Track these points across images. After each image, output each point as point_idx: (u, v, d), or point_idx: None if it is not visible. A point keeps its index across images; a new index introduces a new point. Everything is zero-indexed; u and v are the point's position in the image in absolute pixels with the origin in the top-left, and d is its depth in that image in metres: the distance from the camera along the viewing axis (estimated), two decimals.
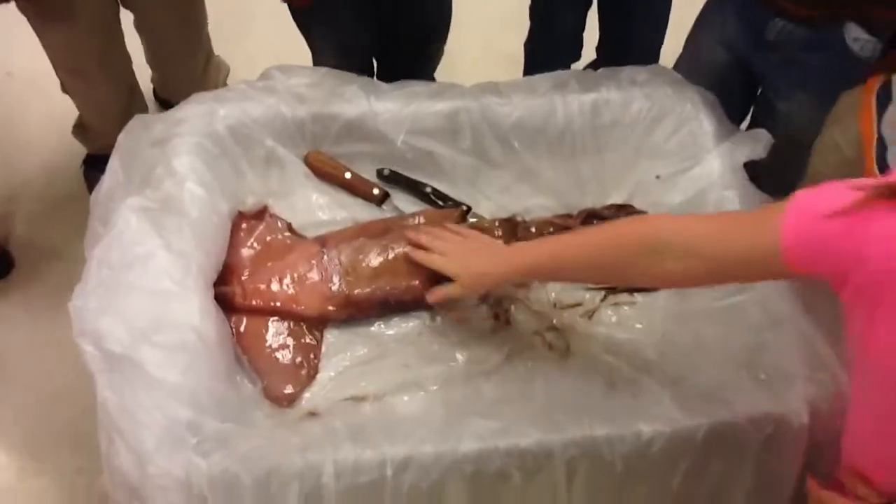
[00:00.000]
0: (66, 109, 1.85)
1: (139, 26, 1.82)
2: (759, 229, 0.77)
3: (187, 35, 1.85)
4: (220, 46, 2.05)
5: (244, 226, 1.19)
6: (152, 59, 1.94)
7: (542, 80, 1.26)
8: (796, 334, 1.00)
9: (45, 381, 1.70)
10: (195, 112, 1.18)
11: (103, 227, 1.05)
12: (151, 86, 2.09)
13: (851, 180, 0.72)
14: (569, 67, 1.87)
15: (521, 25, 1.92)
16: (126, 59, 1.79)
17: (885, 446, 0.76)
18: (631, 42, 1.78)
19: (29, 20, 1.58)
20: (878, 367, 0.71)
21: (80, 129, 1.92)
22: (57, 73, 1.73)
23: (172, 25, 1.81)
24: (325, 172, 1.24)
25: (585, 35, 1.88)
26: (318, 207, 1.23)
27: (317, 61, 1.59)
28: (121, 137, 1.14)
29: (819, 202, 0.72)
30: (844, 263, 0.69)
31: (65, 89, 1.78)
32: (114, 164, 1.11)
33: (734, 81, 1.36)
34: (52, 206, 2.01)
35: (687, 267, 0.84)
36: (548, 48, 1.87)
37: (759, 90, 1.38)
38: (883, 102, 1.19)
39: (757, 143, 1.17)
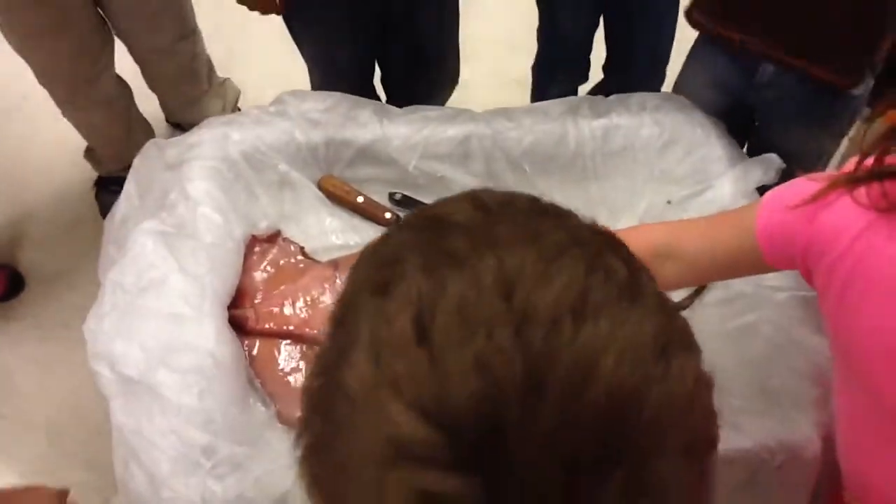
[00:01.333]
0: (79, 133, 1.87)
1: (132, 54, 1.83)
2: (739, 227, 0.79)
3: (180, 61, 1.85)
4: (231, 70, 2.07)
5: (257, 249, 1.19)
6: (150, 84, 1.94)
7: (554, 105, 1.27)
8: (807, 356, 1.01)
9: (55, 401, 1.71)
10: (209, 137, 1.19)
11: (118, 250, 1.06)
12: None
13: (814, 174, 0.74)
14: (576, 89, 1.88)
15: (528, 49, 1.94)
16: (117, 85, 1.80)
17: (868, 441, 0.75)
18: (637, 62, 1.79)
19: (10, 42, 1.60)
20: (850, 356, 0.71)
21: (89, 152, 1.93)
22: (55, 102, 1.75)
23: (162, 50, 1.80)
24: (338, 197, 1.25)
25: (592, 56, 1.89)
26: (330, 231, 1.24)
27: (311, 80, 1.60)
28: (136, 161, 1.15)
29: (786, 195, 0.74)
30: (808, 250, 0.71)
31: (65, 116, 1.79)
32: (129, 188, 1.12)
33: (728, 118, 1.34)
34: (64, 228, 2.02)
35: (680, 269, 0.85)
36: (556, 70, 1.88)
37: (755, 123, 1.38)
38: None
39: (769, 168, 1.18)
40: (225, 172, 1.17)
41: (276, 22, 1.46)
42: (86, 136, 1.86)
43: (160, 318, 1.00)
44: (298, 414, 1.07)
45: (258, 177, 1.21)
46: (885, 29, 1.15)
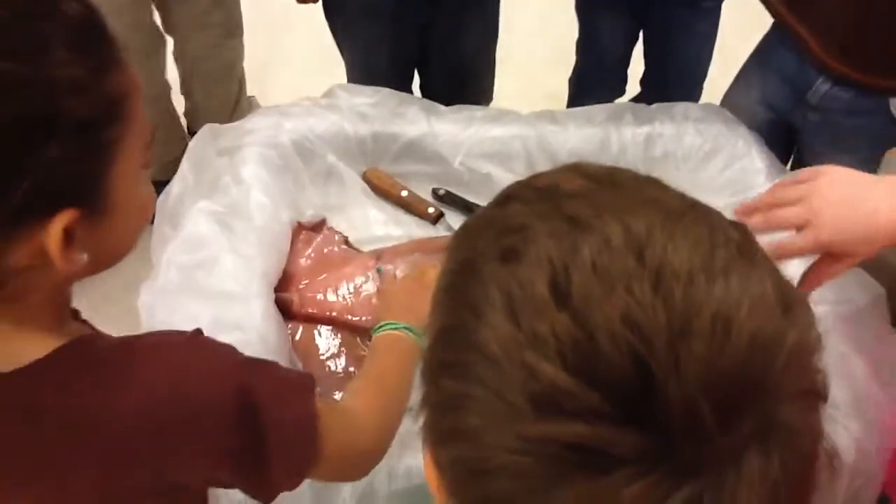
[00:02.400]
0: None
1: (177, 51, 1.86)
2: None
3: (223, 60, 1.88)
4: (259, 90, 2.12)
5: (302, 237, 1.22)
6: (185, 88, 1.96)
7: (598, 110, 1.29)
8: (839, 369, 1.02)
9: None
10: (262, 124, 1.22)
11: (172, 229, 1.09)
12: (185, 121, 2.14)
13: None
14: (613, 101, 1.91)
15: (562, 64, 1.97)
16: (164, 85, 1.84)
17: None
18: (675, 78, 1.82)
19: None
20: None
21: None
22: None
23: (209, 47, 1.84)
24: (383, 189, 1.28)
25: (630, 69, 1.92)
26: (374, 223, 1.26)
27: (348, 76, 1.64)
28: (191, 144, 1.18)
29: None
30: None
31: None
32: (184, 168, 1.15)
33: (773, 138, 1.36)
34: None
35: None
36: (593, 82, 1.91)
37: (796, 147, 1.40)
38: None
39: None
40: (276, 160, 1.20)
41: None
42: None
43: (211, 295, 1.02)
44: (338, 398, 1.09)
45: (306, 166, 1.24)
46: None
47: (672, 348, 0.32)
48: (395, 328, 0.96)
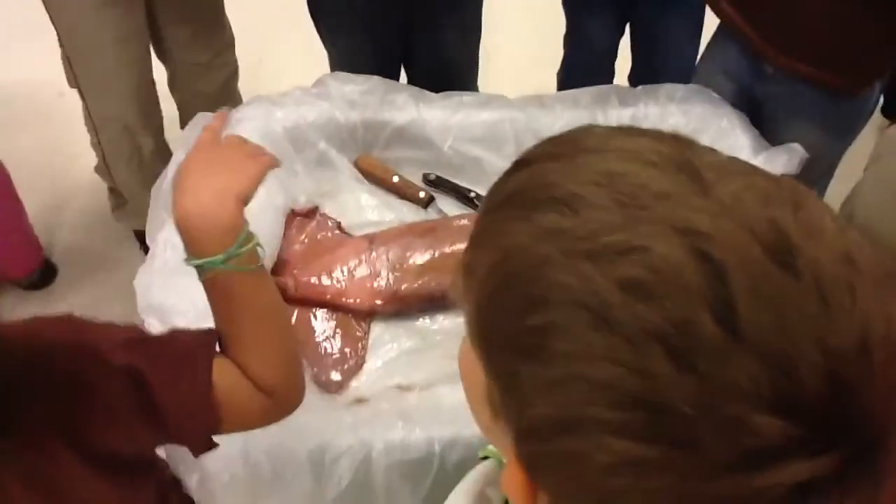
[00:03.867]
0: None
1: (171, 72, 1.84)
2: None
3: (218, 77, 1.84)
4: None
5: (296, 223, 1.24)
6: (182, 109, 1.89)
7: (584, 93, 1.31)
8: None
9: None
10: (254, 113, 1.24)
11: (168, 213, 1.10)
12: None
13: None
14: None
15: (548, 62, 1.99)
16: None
17: None
18: (662, 71, 1.84)
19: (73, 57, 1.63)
20: None
21: (116, 196, 1.97)
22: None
23: (202, 65, 1.80)
24: (374, 176, 1.30)
25: (617, 64, 1.94)
26: (366, 208, 1.28)
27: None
28: (184, 132, 1.20)
29: None
30: None
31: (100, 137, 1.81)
32: (178, 157, 1.16)
33: (738, 108, 1.37)
34: (96, 219, 2.08)
35: None
36: (581, 75, 1.93)
37: (761, 117, 1.42)
38: None
39: (792, 157, 1.21)
40: (268, 147, 1.20)
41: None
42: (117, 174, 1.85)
43: None
44: (333, 378, 1.10)
45: (298, 154, 1.26)
46: None
47: (864, 357, 0.31)
48: (203, 267, 0.73)
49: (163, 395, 0.65)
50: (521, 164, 0.40)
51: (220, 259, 0.71)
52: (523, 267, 0.35)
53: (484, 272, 0.37)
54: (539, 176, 0.37)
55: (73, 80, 1.65)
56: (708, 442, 0.30)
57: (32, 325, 0.65)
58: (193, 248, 0.72)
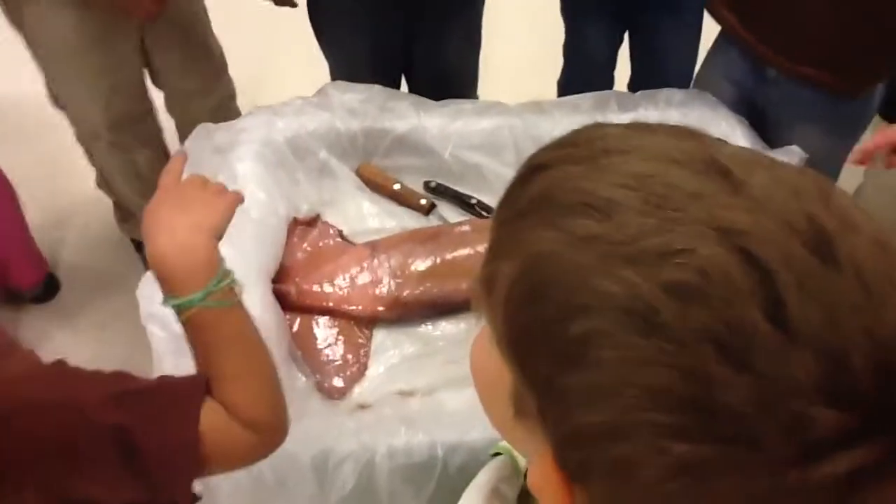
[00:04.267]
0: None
1: (168, 100, 1.83)
2: None
3: (214, 103, 1.82)
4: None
5: (298, 231, 1.24)
6: (183, 137, 1.86)
7: (583, 98, 1.32)
8: None
9: None
10: (255, 123, 1.25)
11: None
12: None
13: None
14: None
15: (547, 69, 2.00)
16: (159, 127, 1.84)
17: None
18: (661, 76, 1.84)
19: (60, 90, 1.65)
20: None
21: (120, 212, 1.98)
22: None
23: (196, 92, 1.80)
24: (376, 184, 1.31)
25: (616, 73, 1.95)
26: (368, 216, 1.29)
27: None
28: (187, 143, 1.21)
29: None
30: None
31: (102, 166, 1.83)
32: None
33: (741, 113, 1.38)
34: (100, 233, 2.09)
35: None
36: (580, 85, 1.93)
37: (765, 123, 1.42)
38: None
39: (791, 158, 1.22)
40: (270, 157, 1.22)
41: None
42: (122, 184, 1.85)
43: None
44: (336, 384, 1.10)
45: (300, 163, 1.26)
46: None
47: None
48: (182, 306, 0.73)
49: (149, 452, 0.65)
50: (537, 170, 0.38)
51: (199, 296, 0.71)
52: (558, 275, 0.34)
53: (509, 282, 0.36)
54: (562, 181, 0.36)
55: (55, 101, 1.67)
56: (767, 439, 0.30)
57: (21, 381, 0.65)
58: (172, 287, 0.72)
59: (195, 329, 0.73)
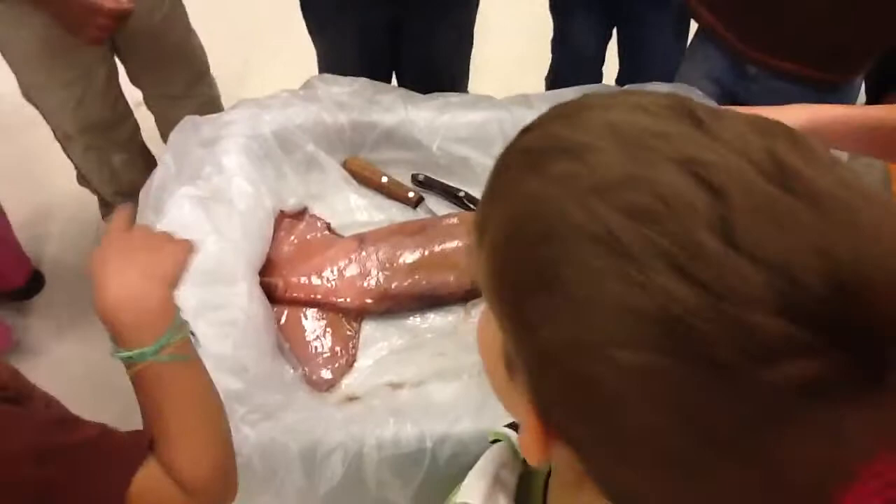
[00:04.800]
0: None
1: (148, 104, 1.81)
2: None
3: (196, 106, 1.78)
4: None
5: (285, 224, 1.24)
6: (149, 102, 1.85)
7: (570, 92, 1.32)
8: None
9: (73, 397, 1.73)
10: (242, 116, 1.24)
11: (155, 215, 1.10)
12: None
13: None
14: None
15: (536, 67, 2.00)
16: (136, 128, 1.81)
17: None
18: (649, 72, 1.85)
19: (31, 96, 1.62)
20: None
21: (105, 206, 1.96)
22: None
23: (177, 97, 1.77)
24: (363, 177, 1.30)
25: (604, 69, 1.96)
26: (356, 209, 1.29)
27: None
28: (172, 136, 1.20)
29: None
30: None
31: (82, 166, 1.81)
32: (166, 158, 1.16)
33: None
34: (84, 228, 2.07)
35: None
36: (569, 80, 1.93)
37: None
38: None
39: None
40: (256, 150, 1.22)
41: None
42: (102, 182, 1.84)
43: (196, 277, 1.03)
44: (324, 376, 1.10)
45: (287, 156, 1.26)
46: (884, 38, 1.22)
47: (866, 269, 0.32)
48: (138, 358, 0.69)
49: None
50: (527, 129, 0.41)
51: (151, 349, 0.67)
52: (534, 209, 0.37)
53: (497, 223, 0.39)
54: (546, 134, 0.39)
55: (28, 100, 1.64)
56: (716, 345, 0.32)
57: None
58: (122, 337, 0.68)
59: (145, 383, 0.69)
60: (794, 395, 0.32)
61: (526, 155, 0.39)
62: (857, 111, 0.94)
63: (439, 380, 1.10)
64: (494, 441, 0.60)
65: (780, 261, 0.32)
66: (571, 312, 0.35)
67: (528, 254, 0.36)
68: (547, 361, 0.37)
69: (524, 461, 0.57)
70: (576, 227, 0.35)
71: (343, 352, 1.13)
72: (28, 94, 1.61)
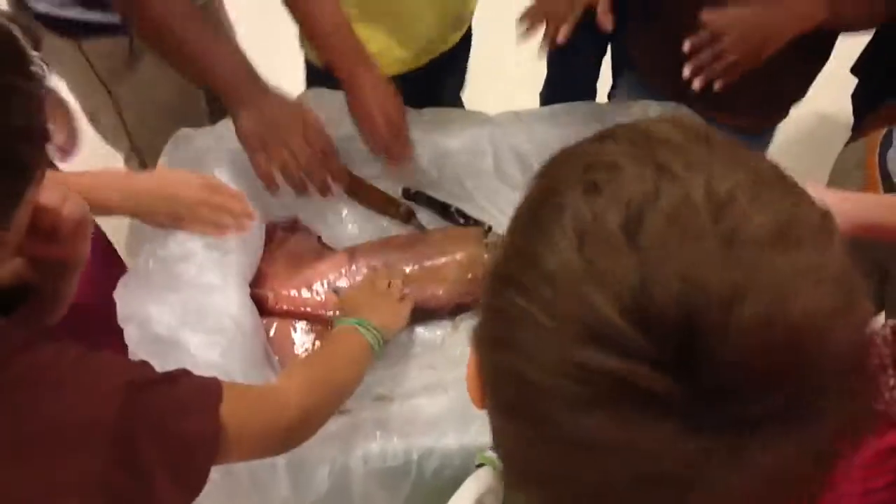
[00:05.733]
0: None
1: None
2: None
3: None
4: None
5: (277, 236, 1.25)
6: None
7: (560, 109, 1.33)
8: None
9: None
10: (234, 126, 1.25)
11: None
12: None
13: None
14: None
15: (530, 84, 2.01)
16: None
17: None
18: None
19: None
20: None
21: None
22: None
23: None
24: (355, 191, 1.31)
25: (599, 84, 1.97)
26: (347, 222, 1.29)
27: None
28: (166, 148, 1.20)
29: None
30: None
31: None
32: (162, 162, 1.18)
33: None
34: None
35: None
36: (563, 95, 1.95)
37: None
38: (885, 149, 1.27)
39: None
40: (247, 162, 1.22)
41: None
42: None
43: (187, 286, 1.05)
44: None
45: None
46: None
47: (725, 310, 0.33)
48: (348, 323, 1.03)
49: (152, 444, 0.67)
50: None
51: (359, 321, 1.03)
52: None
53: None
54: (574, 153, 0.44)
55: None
56: (563, 309, 0.35)
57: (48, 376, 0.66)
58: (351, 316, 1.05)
59: (334, 335, 1.04)
60: (608, 386, 0.34)
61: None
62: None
63: (426, 394, 1.11)
64: (480, 465, 0.61)
65: (655, 272, 0.34)
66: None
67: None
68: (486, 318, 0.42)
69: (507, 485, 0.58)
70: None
71: None
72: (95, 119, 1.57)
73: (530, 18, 1.22)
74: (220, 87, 1.12)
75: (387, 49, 1.29)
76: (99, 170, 1.07)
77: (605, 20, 1.19)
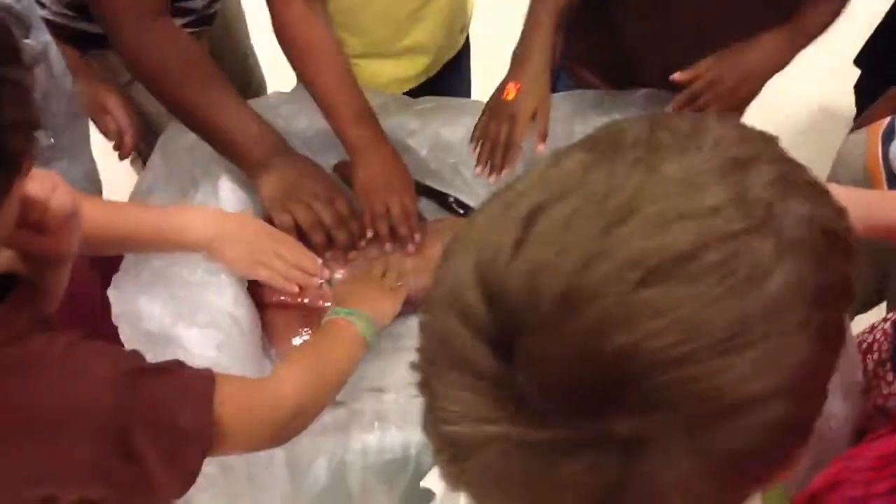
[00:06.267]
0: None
1: None
2: None
3: None
4: None
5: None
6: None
7: (558, 98, 1.32)
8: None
9: None
10: None
11: None
12: None
13: None
14: None
15: None
16: None
17: None
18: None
19: None
20: None
21: None
22: None
23: None
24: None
25: None
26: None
27: None
28: (162, 138, 1.20)
29: None
30: None
31: None
32: (155, 160, 1.16)
33: None
34: None
35: None
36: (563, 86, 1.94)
37: None
38: (888, 141, 1.26)
39: None
40: None
41: None
42: None
43: (182, 282, 1.04)
44: None
45: None
46: None
47: (551, 315, 0.34)
48: (342, 314, 1.03)
49: (145, 435, 0.67)
50: None
51: (351, 311, 1.03)
52: None
53: None
54: None
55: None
56: (450, 271, 0.38)
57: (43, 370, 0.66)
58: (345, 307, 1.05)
59: (328, 325, 1.03)
60: (450, 348, 0.37)
61: None
62: None
63: None
64: None
65: (518, 262, 0.35)
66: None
67: None
68: None
69: None
70: None
71: None
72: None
73: (477, 140, 1.20)
74: (234, 153, 1.12)
75: (396, 74, 1.32)
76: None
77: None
